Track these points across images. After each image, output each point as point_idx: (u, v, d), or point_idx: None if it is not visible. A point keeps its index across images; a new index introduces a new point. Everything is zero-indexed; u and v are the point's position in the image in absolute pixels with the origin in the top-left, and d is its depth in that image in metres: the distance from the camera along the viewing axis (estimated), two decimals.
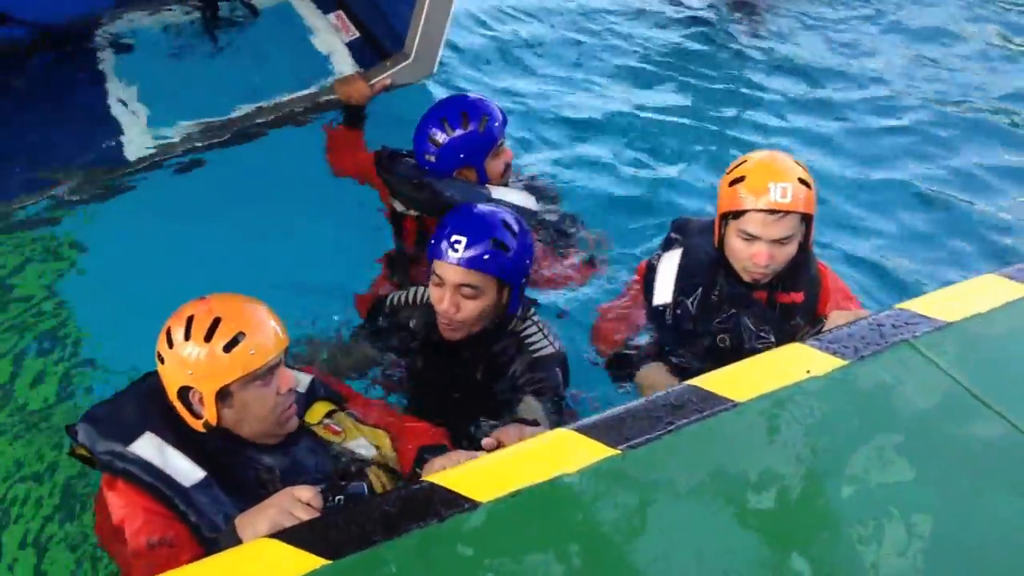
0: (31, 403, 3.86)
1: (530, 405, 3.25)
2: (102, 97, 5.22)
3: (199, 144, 5.08)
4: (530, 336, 3.44)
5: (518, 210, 3.87)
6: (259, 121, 5.23)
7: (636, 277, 3.88)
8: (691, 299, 3.57)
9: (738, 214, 3.38)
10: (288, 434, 2.83)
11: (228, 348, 2.59)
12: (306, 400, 2.96)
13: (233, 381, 2.62)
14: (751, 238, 3.37)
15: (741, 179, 3.38)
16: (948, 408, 2.47)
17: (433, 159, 4.09)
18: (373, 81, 4.94)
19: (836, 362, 2.56)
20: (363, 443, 2.95)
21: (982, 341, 2.67)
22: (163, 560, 2.52)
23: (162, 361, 2.67)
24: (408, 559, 2.05)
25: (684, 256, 3.63)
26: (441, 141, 4.07)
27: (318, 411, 2.99)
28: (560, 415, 3.28)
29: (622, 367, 3.64)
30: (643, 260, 3.89)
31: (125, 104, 5.20)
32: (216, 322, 2.61)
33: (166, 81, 5.40)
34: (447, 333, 3.37)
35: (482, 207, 3.42)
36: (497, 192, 4.06)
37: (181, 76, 5.49)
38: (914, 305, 2.78)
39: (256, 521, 2.40)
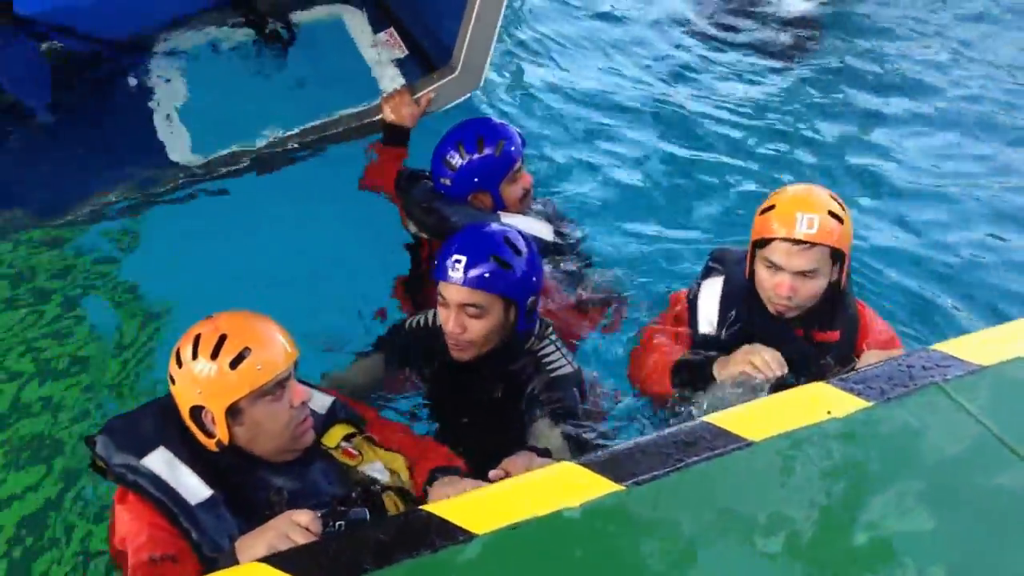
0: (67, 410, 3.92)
1: (544, 432, 3.21)
2: (150, 114, 5.27)
3: (244, 163, 5.10)
4: (548, 355, 3.40)
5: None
6: (305, 140, 5.25)
7: (676, 306, 3.77)
8: (732, 330, 3.51)
9: (765, 242, 3.34)
10: (303, 456, 2.81)
11: (234, 364, 2.59)
12: (325, 422, 2.94)
13: (242, 397, 2.61)
14: (775, 268, 3.32)
15: (771, 208, 3.35)
16: (976, 456, 2.38)
17: (448, 183, 4.08)
18: (418, 95, 4.92)
19: (859, 403, 2.48)
20: (379, 467, 2.91)
21: (1018, 387, 2.57)
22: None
23: (173, 382, 2.68)
24: None
25: (725, 284, 3.57)
26: (456, 165, 4.04)
27: (336, 434, 2.96)
28: (578, 439, 3.23)
29: (692, 370, 3.49)
30: (679, 291, 3.80)
31: (171, 121, 5.24)
32: (222, 339, 2.61)
33: (214, 99, 5.43)
34: (455, 354, 3.33)
35: (486, 226, 3.40)
36: (509, 220, 3.99)
37: (228, 94, 5.51)
38: (948, 347, 2.69)
39: (255, 544, 2.38)
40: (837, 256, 3.32)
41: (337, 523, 2.45)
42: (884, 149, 6.24)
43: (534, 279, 3.29)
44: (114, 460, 2.67)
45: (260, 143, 5.16)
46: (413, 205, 4.10)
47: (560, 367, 3.38)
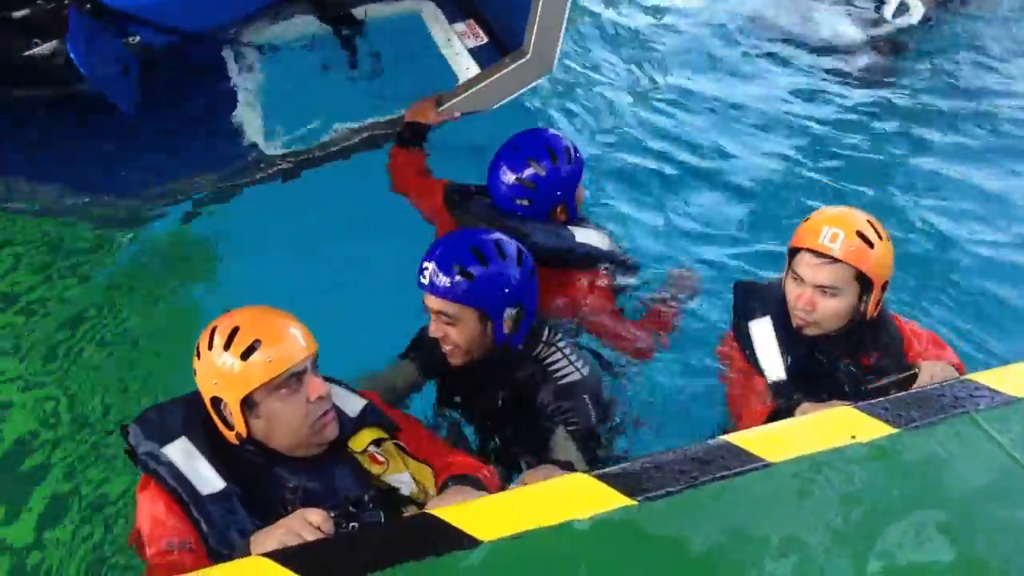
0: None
1: (560, 443, 3.23)
2: (229, 105, 5.37)
3: (318, 154, 5.17)
4: (555, 363, 3.41)
5: (596, 252, 3.98)
6: (377, 133, 5.28)
7: (727, 350, 3.74)
8: (794, 369, 3.50)
9: (794, 253, 3.40)
10: (326, 456, 2.84)
11: (245, 356, 2.64)
12: (355, 425, 2.96)
13: (255, 390, 2.66)
14: (799, 280, 3.36)
15: (804, 221, 3.42)
16: (1003, 489, 2.34)
17: (527, 203, 4.03)
18: (443, 107, 4.96)
19: (885, 429, 2.46)
20: (405, 478, 2.92)
21: None
22: (179, 564, 2.56)
23: (196, 373, 2.75)
24: None
25: (775, 324, 3.56)
26: (534, 183, 4.01)
27: (365, 437, 2.97)
28: (594, 452, 3.25)
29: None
30: (726, 331, 3.79)
31: (251, 112, 5.32)
32: (234, 331, 2.67)
33: (291, 90, 5.52)
34: (449, 359, 3.38)
35: (471, 232, 3.46)
36: (580, 235, 4.04)
37: (306, 86, 5.61)
38: (983, 377, 2.66)
39: (266, 541, 2.41)
40: (864, 282, 3.31)
41: (350, 524, 2.49)
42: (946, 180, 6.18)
43: (506, 291, 3.27)
44: (140, 448, 2.75)
45: (334, 135, 5.22)
46: (479, 223, 3.95)
47: (568, 374, 3.38)
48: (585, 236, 4.09)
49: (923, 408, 2.53)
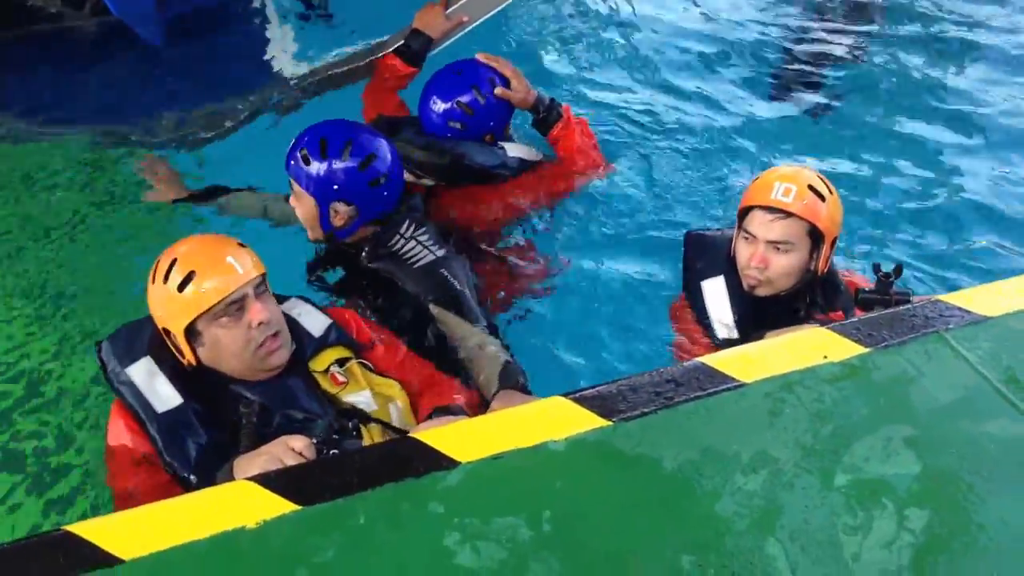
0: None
1: (438, 317, 3.55)
2: (260, 27, 5.47)
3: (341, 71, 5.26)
4: (407, 251, 3.67)
5: (528, 163, 4.32)
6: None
7: (679, 320, 3.87)
8: (746, 326, 3.61)
9: (744, 212, 3.49)
10: (282, 374, 3.00)
11: (181, 288, 2.80)
12: (317, 344, 3.11)
13: (194, 319, 2.82)
14: (750, 237, 3.46)
15: (754, 179, 3.54)
16: (969, 405, 2.48)
17: (460, 127, 4.28)
18: (452, 10, 4.92)
19: (857, 349, 2.59)
20: (364, 397, 3.08)
21: (1022, 339, 2.66)
22: (143, 479, 2.79)
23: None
24: (378, 512, 2.16)
25: (728, 283, 3.67)
26: (472, 109, 4.26)
27: (327, 357, 3.13)
28: (475, 316, 3.55)
29: None
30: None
31: (280, 35, 5.41)
32: (172, 263, 2.82)
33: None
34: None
35: (341, 123, 3.69)
36: (511, 150, 4.36)
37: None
38: (954, 298, 2.78)
39: (249, 467, 2.56)
40: (816, 238, 3.42)
41: (331, 451, 2.63)
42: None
43: (335, 187, 3.60)
44: (109, 366, 2.95)
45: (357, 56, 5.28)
46: (415, 148, 4.22)
47: (422, 258, 3.65)
48: (516, 150, 4.37)
49: (894, 328, 2.66)
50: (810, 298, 3.56)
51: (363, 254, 3.68)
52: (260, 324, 2.89)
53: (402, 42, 4.82)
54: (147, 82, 4.53)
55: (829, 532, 2.18)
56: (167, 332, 2.89)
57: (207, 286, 2.81)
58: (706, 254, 3.76)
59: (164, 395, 2.88)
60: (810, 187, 3.41)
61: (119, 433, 2.89)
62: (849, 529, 2.18)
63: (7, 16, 5.19)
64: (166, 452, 2.82)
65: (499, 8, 5.16)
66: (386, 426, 3.01)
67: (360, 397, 3.07)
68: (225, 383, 2.95)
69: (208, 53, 5.42)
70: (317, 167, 3.57)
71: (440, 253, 3.66)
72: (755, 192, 3.47)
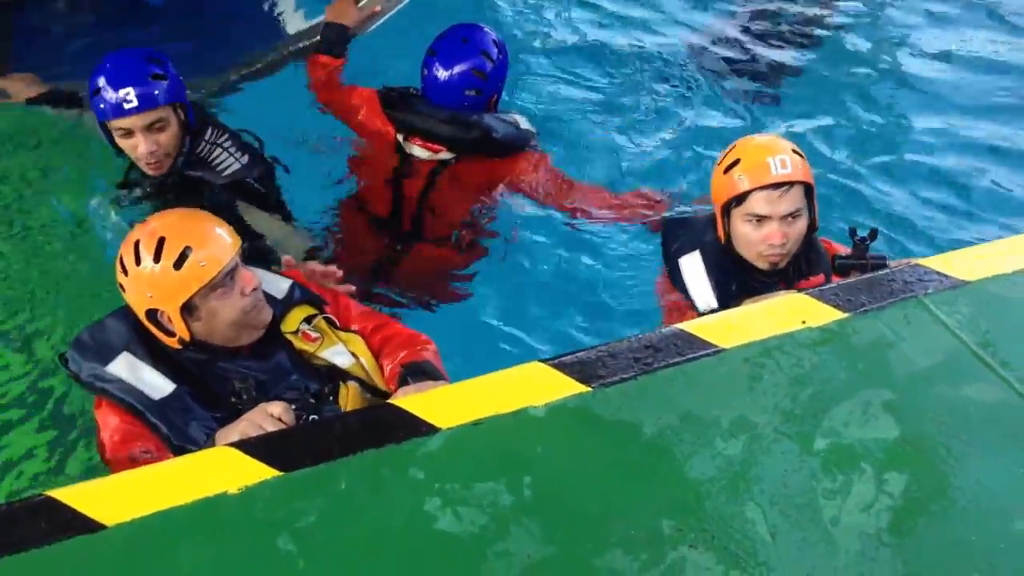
0: None
1: (249, 218, 3.87)
2: None
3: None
4: (216, 159, 3.94)
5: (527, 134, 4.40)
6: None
7: (665, 294, 3.89)
8: (726, 299, 3.61)
9: (741, 198, 3.47)
10: (263, 344, 3.05)
11: (178, 265, 2.82)
12: (284, 306, 3.16)
13: (193, 295, 2.84)
14: (760, 219, 3.45)
15: (736, 162, 3.49)
16: (947, 369, 2.55)
17: (475, 93, 4.32)
18: (363, 3, 4.93)
19: (835, 314, 2.66)
20: (340, 350, 3.16)
21: (999, 303, 2.73)
22: None
23: (124, 289, 2.92)
24: (359, 477, 2.22)
25: (704, 257, 3.69)
26: (485, 74, 4.30)
27: (295, 317, 3.19)
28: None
29: None
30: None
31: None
32: (161, 242, 2.84)
33: None
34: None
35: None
36: (521, 122, 4.47)
37: None
38: (932, 262, 2.85)
39: (230, 434, 2.62)
40: (809, 195, 3.47)
41: (311, 416, 2.69)
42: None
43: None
44: (84, 373, 2.97)
45: None
46: (438, 123, 4.30)
47: (229, 165, 3.91)
48: (522, 122, 4.48)
49: (873, 293, 2.73)
50: (797, 263, 3.59)
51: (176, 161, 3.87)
52: (253, 290, 2.95)
53: (319, 39, 4.83)
54: (150, 43, 4.51)
55: (808, 496, 2.25)
56: (153, 314, 2.91)
57: (206, 259, 2.85)
58: (681, 234, 3.80)
59: (155, 384, 2.93)
60: (793, 150, 3.46)
61: (114, 428, 2.91)
62: (828, 493, 2.26)
63: None
64: (174, 438, 2.86)
65: None
66: (367, 388, 3.09)
67: (336, 352, 3.14)
68: (210, 360, 2.99)
69: (211, 11, 5.43)
70: (169, 76, 3.75)
71: (245, 160, 3.93)
72: (750, 175, 3.43)
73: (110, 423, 2.93)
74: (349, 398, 3.05)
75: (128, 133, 3.74)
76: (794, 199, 3.42)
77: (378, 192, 4.46)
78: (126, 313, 3.02)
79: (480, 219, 4.47)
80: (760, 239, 3.48)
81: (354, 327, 3.28)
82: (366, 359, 3.19)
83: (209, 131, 3.97)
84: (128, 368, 2.94)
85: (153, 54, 3.80)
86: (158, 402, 2.90)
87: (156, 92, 3.69)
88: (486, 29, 4.46)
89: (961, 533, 2.22)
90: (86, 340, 3.03)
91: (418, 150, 4.39)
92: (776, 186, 3.39)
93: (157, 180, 3.91)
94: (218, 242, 2.90)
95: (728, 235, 3.58)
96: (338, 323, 3.25)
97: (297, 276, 3.30)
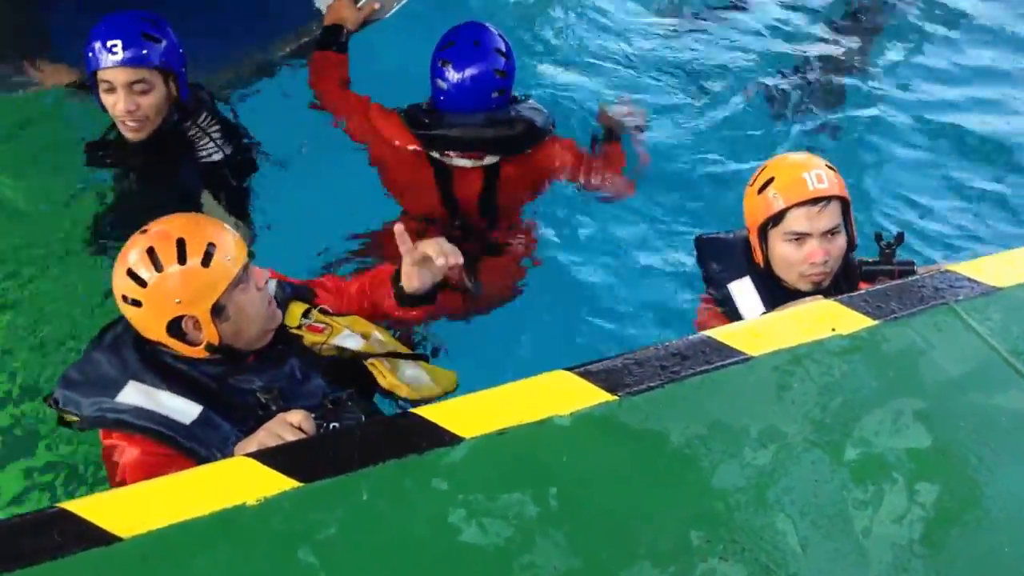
0: None
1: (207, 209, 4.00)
2: None
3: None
4: (199, 143, 4.06)
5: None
6: None
7: (710, 321, 3.79)
8: None
9: (778, 217, 3.46)
10: (273, 347, 3.04)
11: (206, 262, 2.80)
12: (281, 304, 3.14)
13: (223, 293, 2.82)
14: (800, 237, 3.44)
15: (769, 181, 3.49)
16: (979, 377, 2.56)
17: (499, 93, 4.35)
18: (361, 3, 4.98)
19: (865, 321, 2.66)
20: (348, 335, 3.15)
21: None
22: None
23: (139, 304, 2.82)
24: (381, 488, 2.22)
25: (755, 281, 3.67)
26: (505, 71, 4.34)
27: (295, 313, 3.18)
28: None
29: None
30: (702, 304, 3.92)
31: None
32: (181, 242, 2.80)
33: None
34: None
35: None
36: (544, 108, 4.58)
37: None
38: (963, 268, 2.86)
39: (247, 445, 2.62)
40: (845, 209, 3.47)
41: (331, 425, 2.69)
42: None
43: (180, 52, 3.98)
44: (85, 409, 2.88)
45: None
46: (480, 129, 4.36)
47: (209, 153, 4.07)
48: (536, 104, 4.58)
49: (903, 299, 2.73)
50: (839, 278, 3.57)
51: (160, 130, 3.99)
52: (265, 283, 2.99)
53: (319, 36, 4.90)
54: (184, 25, 4.55)
55: (839, 506, 2.25)
56: (176, 325, 2.84)
57: (230, 254, 2.84)
58: (723, 257, 3.78)
59: (178, 407, 2.86)
60: (827, 165, 3.48)
61: (136, 463, 2.82)
62: (859, 503, 2.26)
63: None
64: (213, 458, 2.74)
65: None
66: (398, 355, 3.15)
67: (345, 336, 3.14)
68: (224, 375, 2.96)
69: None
70: (165, 42, 3.87)
71: (228, 151, 4.05)
72: (787, 193, 3.43)
73: (130, 457, 2.85)
74: (380, 373, 3.09)
75: (111, 88, 3.82)
76: (833, 215, 3.42)
77: (428, 206, 4.53)
78: (115, 344, 2.96)
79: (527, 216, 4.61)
80: (801, 258, 3.46)
81: (346, 308, 3.33)
82: (375, 331, 3.22)
83: (204, 115, 4.06)
84: (143, 395, 2.86)
85: (153, 17, 3.91)
86: (188, 426, 2.84)
87: (144, 52, 3.81)
88: (488, 26, 4.49)
89: (994, 543, 2.23)
90: (75, 377, 2.94)
91: (459, 160, 4.43)
92: (814, 201, 3.39)
93: (131, 144, 3.99)
94: (233, 237, 2.91)
95: (767, 258, 3.57)
96: (331, 310, 3.25)
97: (273, 274, 3.28)
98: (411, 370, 3.21)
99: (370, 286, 3.36)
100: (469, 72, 4.29)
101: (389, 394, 3.17)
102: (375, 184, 4.61)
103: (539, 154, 4.51)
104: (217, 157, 4.05)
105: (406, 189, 4.54)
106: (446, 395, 3.17)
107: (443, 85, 4.33)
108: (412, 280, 3.21)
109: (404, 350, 3.24)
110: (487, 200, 4.48)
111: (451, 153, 4.40)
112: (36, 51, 4.97)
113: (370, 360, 3.11)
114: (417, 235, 3.97)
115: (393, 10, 5.15)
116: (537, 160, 4.52)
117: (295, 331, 3.11)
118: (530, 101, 4.55)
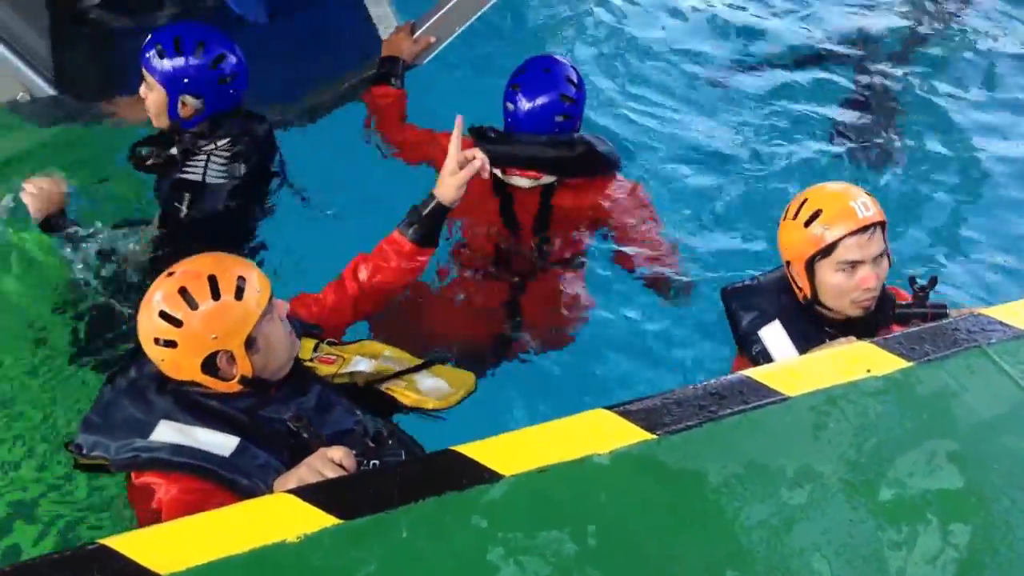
0: None
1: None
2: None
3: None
4: (191, 160, 4.21)
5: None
6: None
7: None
8: None
9: (829, 249, 3.49)
10: (299, 380, 3.13)
11: (239, 296, 2.88)
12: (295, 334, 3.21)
13: (256, 325, 2.90)
14: (852, 266, 3.48)
15: (816, 214, 3.52)
16: (1012, 419, 2.61)
17: (563, 119, 4.52)
18: (418, 33, 5.10)
19: (900, 363, 2.71)
20: (359, 360, 3.26)
21: None
22: None
23: (173, 345, 2.88)
24: (421, 525, 2.27)
25: (785, 324, 3.71)
26: (574, 99, 4.53)
27: (306, 347, 3.28)
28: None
29: None
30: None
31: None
32: (213, 279, 2.88)
33: None
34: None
35: (208, 25, 4.28)
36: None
37: None
38: (995, 311, 2.91)
39: (287, 481, 2.65)
40: (884, 234, 3.54)
41: (372, 462, 2.74)
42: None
43: (185, 80, 4.13)
44: (115, 452, 2.91)
45: None
46: (542, 148, 4.52)
47: (193, 173, 4.20)
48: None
49: (936, 342, 2.78)
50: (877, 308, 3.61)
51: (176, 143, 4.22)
52: (285, 313, 3.07)
53: (375, 72, 5.01)
54: (258, 62, 4.64)
55: (874, 547, 2.30)
56: (211, 361, 2.90)
57: (258, 286, 2.93)
58: (752, 305, 3.82)
59: (216, 442, 2.90)
60: (867, 192, 3.55)
61: (174, 502, 2.83)
62: (893, 544, 2.31)
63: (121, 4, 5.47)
64: (257, 490, 2.81)
65: (466, 25, 5.27)
66: (412, 370, 3.26)
67: (357, 363, 3.25)
68: (253, 407, 3.01)
69: (316, 27, 5.57)
70: (171, 62, 4.10)
71: (210, 179, 4.17)
72: (836, 223, 3.46)
73: (168, 495, 2.86)
74: (402, 394, 3.21)
75: None
76: (880, 240, 3.50)
77: (488, 231, 4.68)
78: (132, 388, 3.01)
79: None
80: (854, 286, 3.51)
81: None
82: (385, 350, 3.34)
83: (224, 141, 4.22)
84: (177, 433, 2.90)
85: (183, 36, 4.14)
86: (228, 457, 2.87)
87: (148, 55, 4.13)
88: (560, 57, 4.71)
89: None
90: (97, 421, 2.98)
91: (518, 179, 4.56)
92: (864, 229, 3.45)
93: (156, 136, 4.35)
94: (255, 269, 3.01)
95: (814, 290, 3.60)
96: (337, 342, 3.37)
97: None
98: (429, 381, 3.28)
99: (355, 267, 3.60)
100: (535, 96, 4.49)
101: (417, 409, 3.25)
102: None
103: (597, 185, 4.65)
104: (195, 178, 4.18)
105: (469, 212, 4.59)
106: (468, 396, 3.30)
107: (511, 107, 4.53)
108: (450, 189, 3.53)
109: (416, 362, 3.32)
110: (540, 223, 4.61)
111: (512, 171, 4.53)
112: (114, 89, 5.15)
113: (385, 385, 3.21)
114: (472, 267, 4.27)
115: (446, 43, 5.24)
116: (594, 192, 4.63)
117: (308, 363, 3.22)
118: (600, 136, 4.74)
